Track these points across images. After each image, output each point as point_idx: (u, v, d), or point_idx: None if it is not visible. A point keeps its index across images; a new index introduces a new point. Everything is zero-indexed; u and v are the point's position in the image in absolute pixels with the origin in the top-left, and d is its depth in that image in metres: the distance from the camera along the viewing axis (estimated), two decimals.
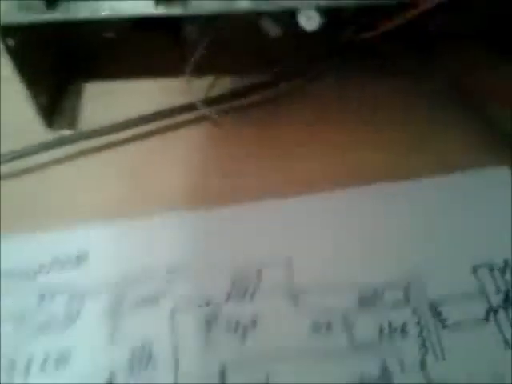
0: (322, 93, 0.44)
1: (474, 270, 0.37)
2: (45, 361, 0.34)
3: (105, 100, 0.45)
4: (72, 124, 0.44)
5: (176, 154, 0.42)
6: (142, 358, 0.34)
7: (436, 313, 0.35)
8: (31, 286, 0.37)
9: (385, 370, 0.33)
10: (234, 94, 0.44)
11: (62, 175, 0.41)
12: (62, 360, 0.34)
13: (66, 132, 0.43)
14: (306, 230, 0.39)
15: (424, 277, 0.37)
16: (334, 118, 0.44)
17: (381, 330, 0.35)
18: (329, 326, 0.35)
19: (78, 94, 0.46)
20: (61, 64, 0.45)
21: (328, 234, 0.39)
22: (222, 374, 0.34)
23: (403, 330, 0.35)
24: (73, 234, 0.39)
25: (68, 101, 0.45)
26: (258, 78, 0.44)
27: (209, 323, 0.35)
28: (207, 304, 0.36)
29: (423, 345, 0.34)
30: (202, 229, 0.39)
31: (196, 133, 0.43)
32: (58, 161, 0.42)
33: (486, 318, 0.35)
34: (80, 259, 0.38)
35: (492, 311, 0.35)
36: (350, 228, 0.39)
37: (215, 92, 0.44)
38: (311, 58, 0.44)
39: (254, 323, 0.35)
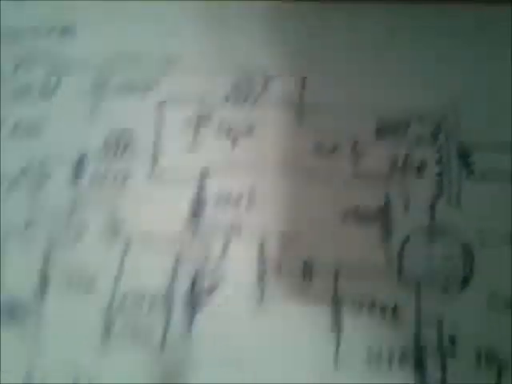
0: None
1: None
2: (16, 125, 0.32)
3: None
4: None
5: None
6: (120, 142, 0.31)
7: (464, 158, 0.30)
8: (8, 52, 0.34)
9: (387, 203, 0.29)
10: None
11: None
12: (34, 129, 0.32)
13: None
14: (322, 47, 0.33)
15: (460, 115, 0.31)
16: None
17: (394, 164, 0.30)
18: (334, 149, 0.30)
19: None
20: None
21: (348, 55, 0.33)
22: (204, 176, 0.30)
23: (420, 168, 0.30)
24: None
25: None
26: None
27: (199, 123, 0.31)
28: (200, 102, 0.32)
29: (439, 188, 0.29)
30: (212, 19, 0.34)
31: None
32: None
33: None
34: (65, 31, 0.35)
35: None
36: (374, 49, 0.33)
37: None
38: None
39: (249, 131, 0.31)
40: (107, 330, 0.28)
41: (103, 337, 0.28)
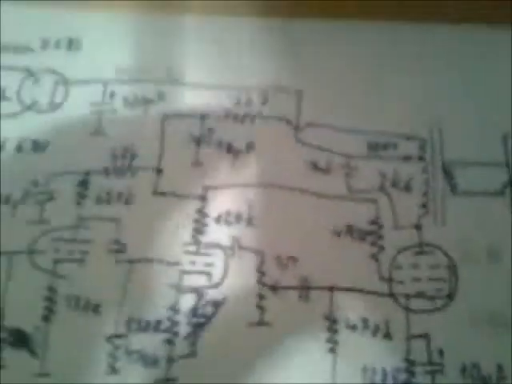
0: None
1: (505, 138, 0.32)
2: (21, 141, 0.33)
3: None
4: None
5: None
6: (125, 157, 0.32)
7: (449, 176, 0.31)
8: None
9: (377, 219, 0.30)
10: None
11: None
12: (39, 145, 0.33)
13: None
14: (318, 62, 0.35)
15: (444, 135, 0.32)
16: None
17: (383, 180, 0.31)
18: (328, 168, 0.32)
19: None
20: None
21: (341, 71, 0.34)
22: (205, 193, 0.31)
23: (408, 185, 0.31)
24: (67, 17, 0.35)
25: None
26: None
27: (199, 139, 0.32)
28: (202, 118, 0.32)
29: (426, 205, 0.31)
30: (214, 36, 0.35)
31: None
32: None
33: (502, 192, 0.31)
34: (72, 44, 0.35)
35: (510, 185, 0.31)
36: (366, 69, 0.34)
37: None
38: None
39: (249, 146, 0.32)
40: (112, 357, 0.28)
41: (109, 365, 0.28)
